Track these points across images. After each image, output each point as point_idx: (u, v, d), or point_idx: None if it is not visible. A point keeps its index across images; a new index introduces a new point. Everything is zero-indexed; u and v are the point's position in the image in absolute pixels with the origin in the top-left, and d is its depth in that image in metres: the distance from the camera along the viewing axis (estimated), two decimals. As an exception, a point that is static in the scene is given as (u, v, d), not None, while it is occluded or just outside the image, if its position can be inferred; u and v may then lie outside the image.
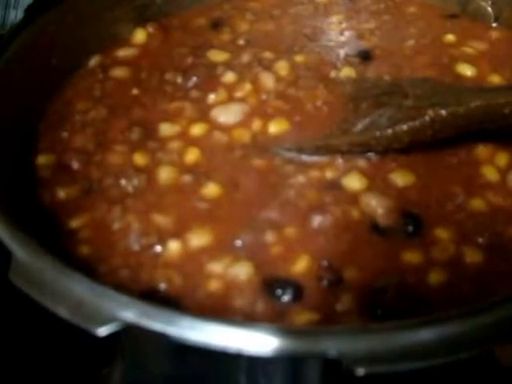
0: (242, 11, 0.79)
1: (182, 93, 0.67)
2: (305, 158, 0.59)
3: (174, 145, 0.61)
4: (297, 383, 0.42)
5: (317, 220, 0.53)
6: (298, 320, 0.47)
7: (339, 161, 0.58)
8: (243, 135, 0.61)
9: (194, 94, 0.66)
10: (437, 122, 0.56)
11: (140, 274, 0.51)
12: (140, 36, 0.75)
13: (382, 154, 0.58)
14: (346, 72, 0.68)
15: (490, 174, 0.57)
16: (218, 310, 0.48)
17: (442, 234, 0.52)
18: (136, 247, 0.53)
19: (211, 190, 0.56)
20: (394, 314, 0.47)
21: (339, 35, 0.75)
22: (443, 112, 0.55)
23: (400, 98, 0.59)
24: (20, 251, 0.45)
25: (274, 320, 0.47)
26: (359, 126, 0.59)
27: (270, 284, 0.49)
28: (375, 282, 0.49)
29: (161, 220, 0.54)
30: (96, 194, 0.57)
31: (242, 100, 0.65)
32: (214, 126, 0.62)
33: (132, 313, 0.41)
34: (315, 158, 0.59)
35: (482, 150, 0.59)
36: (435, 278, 0.49)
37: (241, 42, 0.74)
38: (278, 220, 0.53)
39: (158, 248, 0.52)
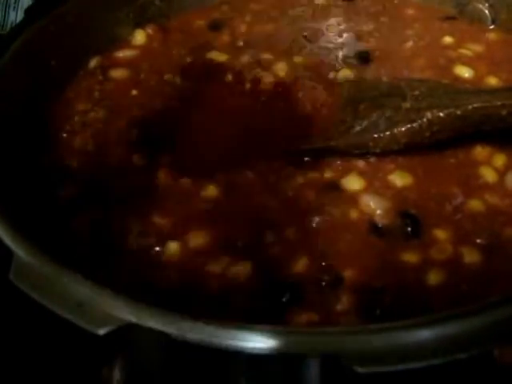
0: (241, 12, 0.79)
1: (181, 93, 0.67)
2: (304, 159, 0.59)
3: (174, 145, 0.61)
4: (296, 383, 0.42)
5: (316, 221, 0.53)
6: (297, 320, 0.47)
7: (338, 162, 0.58)
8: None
9: (193, 94, 0.67)
10: (435, 124, 0.56)
11: (140, 274, 0.51)
12: (139, 37, 0.75)
13: (380, 155, 0.58)
14: (345, 73, 0.68)
15: (488, 174, 0.57)
16: (217, 310, 0.48)
17: (441, 234, 0.53)
18: (136, 248, 0.53)
19: (211, 190, 0.56)
20: (392, 314, 0.47)
21: (338, 37, 0.75)
22: (441, 114, 0.56)
23: (398, 100, 0.60)
24: (20, 251, 0.45)
25: (274, 320, 0.47)
26: (357, 128, 0.59)
27: (269, 284, 0.49)
28: (374, 283, 0.49)
29: (160, 221, 0.55)
30: (95, 195, 0.57)
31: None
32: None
33: (132, 313, 0.41)
34: (314, 160, 0.59)
35: (479, 152, 0.59)
36: (434, 278, 0.50)
37: (240, 43, 0.74)
38: (277, 221, 0.54)
39: (158, 248, 0.53)
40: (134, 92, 0.68)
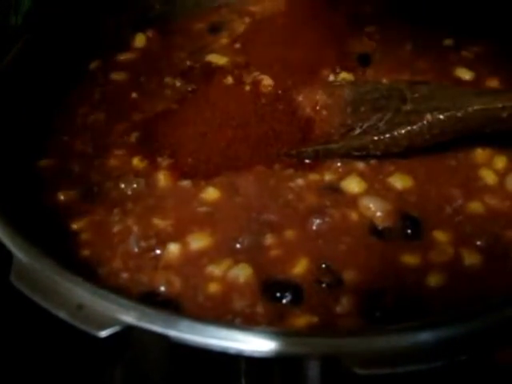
0: (240, 15, 0.79)
1: (180, 96, 0.67)
2: (304, 161, 0.59)
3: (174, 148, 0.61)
4: (296, 385, 0.42)
5: (316, 223, 0.53)
6: (297, 322, 0.47)
7: (338, 164, 0.58)
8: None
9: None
10: (435, 127, 0.56)
11: (140, 276, 0.51)
12: (140, 40, 0.76)
13: (380, 157, 0.58)
14: (345, 76, 0.68)
15: (488, 177, 0.57)
16: (217, 312, 0.48)
17: (441, 236, 0.53)
18: (136, 250, 0.53)
19: (211, 193, 0.56)
20: (392, 316, 0.47)
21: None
22: (441, 116, 0.56)
23: (398, 102, 0.60)
24: (21, 254, 0.46)
25: (274, 322, 0.47)
26: (357, 130, 0.59)
27: (269, 286, 0.49)
28: (374, 285, 0.49)
29: (160, 223, 0.55)
30: (96, 197, 0.57)
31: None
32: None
33: (132, 315, 0.41)
34: (314, 162, 0.59)
35: (480, 154, 0.59)
36: (434, 280, 0.50)
37: (239, 45, 0.74)
38: (278, 223, 0.54)
39: (158, 251, 0.53)
40: (134, 95, 0.68)
